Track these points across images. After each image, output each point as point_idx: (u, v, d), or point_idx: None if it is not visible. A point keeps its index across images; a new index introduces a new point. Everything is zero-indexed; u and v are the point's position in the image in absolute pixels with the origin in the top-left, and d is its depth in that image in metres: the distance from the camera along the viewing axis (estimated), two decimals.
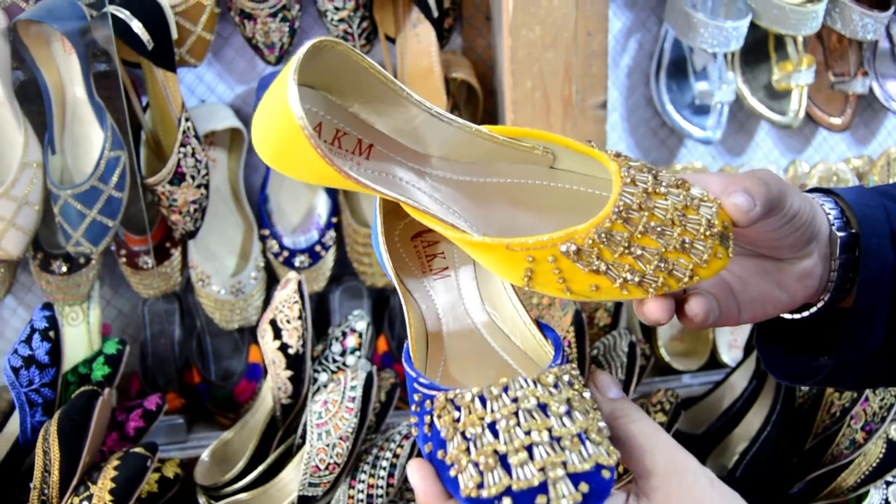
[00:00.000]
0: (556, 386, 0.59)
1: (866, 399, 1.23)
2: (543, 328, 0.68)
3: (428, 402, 0.61)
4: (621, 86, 1.59)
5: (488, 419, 0.57)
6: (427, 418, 0.60)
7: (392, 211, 0.75)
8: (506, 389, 0.58)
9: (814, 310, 0.71)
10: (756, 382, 1.36)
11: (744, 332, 1.63)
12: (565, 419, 0.57)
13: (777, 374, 0.75)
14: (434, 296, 0.75)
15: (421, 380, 0.62)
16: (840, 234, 0.68)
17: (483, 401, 0.58)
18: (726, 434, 1.35)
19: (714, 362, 1.61)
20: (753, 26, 1.50)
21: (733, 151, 1.69)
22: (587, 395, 0.61)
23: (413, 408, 0.62)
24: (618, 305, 1.34)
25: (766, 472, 1.27)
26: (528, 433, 0.56)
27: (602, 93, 1.29)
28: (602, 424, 0.59)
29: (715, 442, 1.35)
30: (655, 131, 1.63)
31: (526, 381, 0.59)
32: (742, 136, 1.68)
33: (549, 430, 0.56)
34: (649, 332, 1.60)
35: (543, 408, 0.57)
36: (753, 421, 1.34)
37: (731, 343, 1.62)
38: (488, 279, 0.75)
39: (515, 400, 0.58)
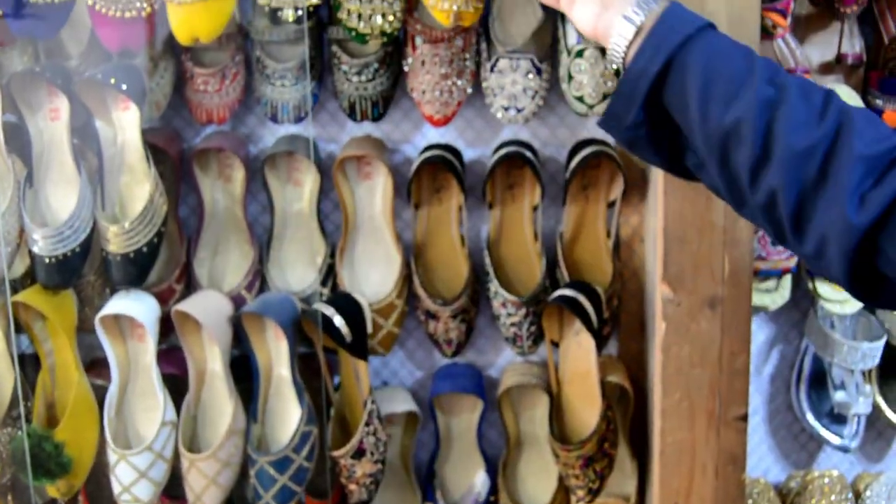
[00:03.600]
0: None
1: None
2: None
3: None
4: (764, 391, 1.72)
5: None
6: None
7: None
8: None
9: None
10: None
11: None
12: None
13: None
14: None
15: None
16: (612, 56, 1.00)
17: None
18: None
19: None
20: (890, 345, 1.63)
21: (871, 459, 1.77)
22: None
23: None
24: None
25: None
26: None
27: (744, 406, 1.43)
28: None
29: None
30: (796, 436, 1.75)
31: None
32: (880, 443, 1.77)
33: None
34: None
35: None
36: None
37: None
38: None
39: None
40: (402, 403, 1.64)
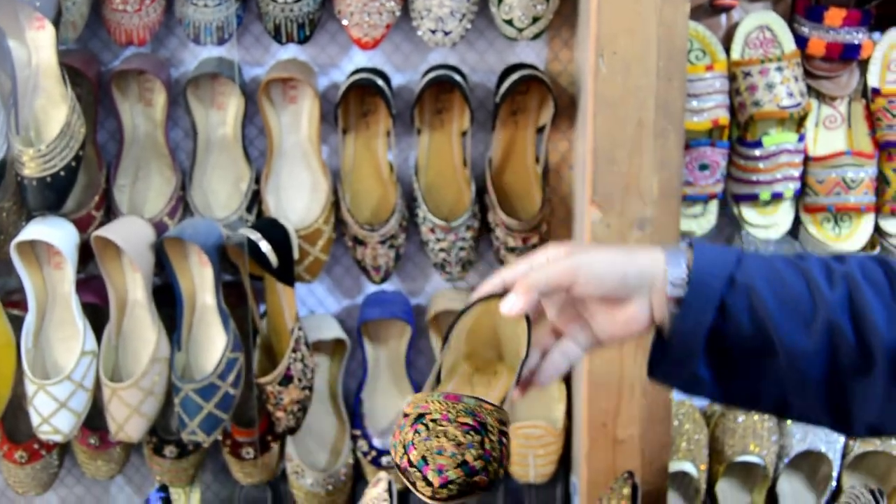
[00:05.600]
0: None
1: None
2: None
3: None
4: None
5: None
6: None
7: None
8: None
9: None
10: None
11: None
12: None
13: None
14: None
15: None
16: (675, 291, 0.85)
17: None
18: None
19: None
20: None
21: None
22: None
23: None
24: None
25: None
26: None
27: None
28: None
29: None
30: None
31: None
32: None
33: None
34: None
35: None
36: None
37: None
38: None
39: None
40: (329, 331, 1.62)
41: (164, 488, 1.46)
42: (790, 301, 0.84)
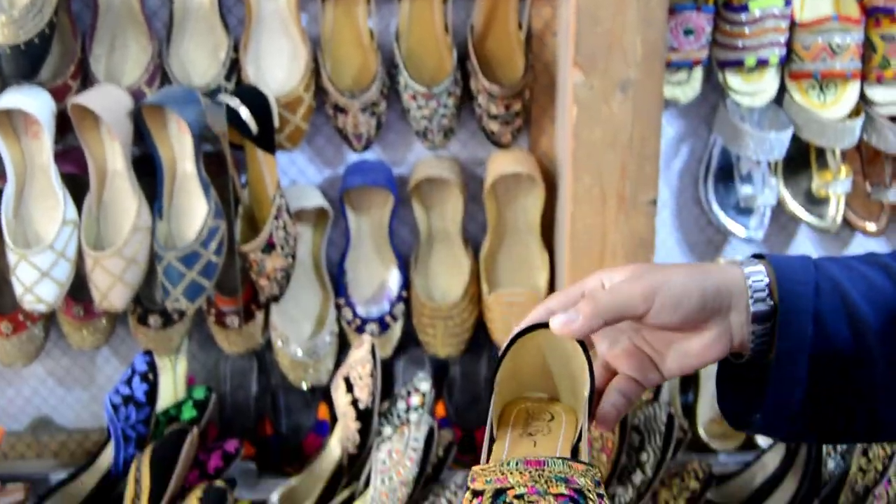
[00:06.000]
0: None
1: (889, 481, 1.34)
2: None
3: None
4: (672, 186, 1.74)
5: None
6: None
7: None
8: None
9: (741, 360, 0.77)
10: (786, 462, 1.47)
11: None
12: None
13: (726, 416, 0.81)
14: None
15: None
16: (758, 306, 0.74)
17: None
18: None
19: (749, 444, 1.72)
20: (796, 138, 1.65)
21: (774, 250, 1.82)
22: None
23: None
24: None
25: None
26: None
27: (653, 191, 1.44)
28: None
29: None
30: (703, 229, 1.78)
31: None
32: (783, 236, 1.81)
33: None
34: (689, 412, 1.72)
35: None
36: (782, 497, 1.44)
37: None
38: None
39: None
40: (311, 199, 1.62)
41: (149, 353, 1.47)
42: (881, 299, 0.75)
